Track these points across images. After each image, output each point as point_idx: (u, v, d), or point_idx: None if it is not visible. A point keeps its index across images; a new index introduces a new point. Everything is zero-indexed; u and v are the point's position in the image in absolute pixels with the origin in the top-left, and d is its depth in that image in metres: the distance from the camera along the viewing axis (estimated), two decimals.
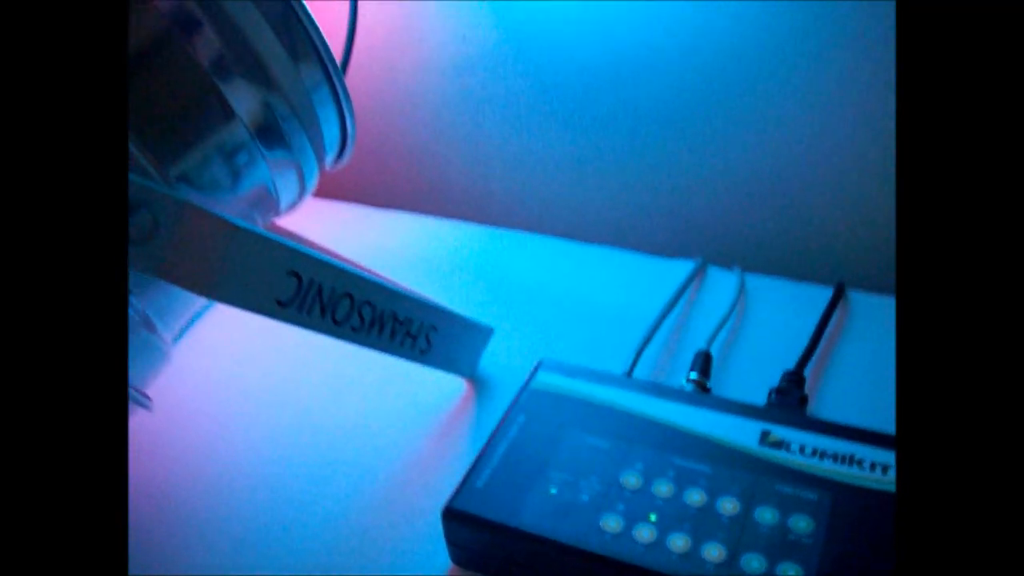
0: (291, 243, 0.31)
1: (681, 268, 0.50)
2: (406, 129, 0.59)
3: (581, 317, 0.48)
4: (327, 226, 0.57)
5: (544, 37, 0.52)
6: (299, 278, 0.32)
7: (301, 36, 0.35)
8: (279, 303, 0.31)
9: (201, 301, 0.36)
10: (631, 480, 0.33)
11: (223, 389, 0.44)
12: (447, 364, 0.41)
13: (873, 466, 0.33)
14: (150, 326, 0.34)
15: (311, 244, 0.46)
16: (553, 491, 0.33)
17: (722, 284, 0.49)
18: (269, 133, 0.35)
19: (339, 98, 0.37)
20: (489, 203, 0.60)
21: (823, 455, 0.33)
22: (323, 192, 0.57)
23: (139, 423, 0.41)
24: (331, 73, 0.36)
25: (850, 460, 0.33)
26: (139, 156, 0.30)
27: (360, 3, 0.53)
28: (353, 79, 0.58)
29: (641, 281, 0.50)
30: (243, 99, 0.33)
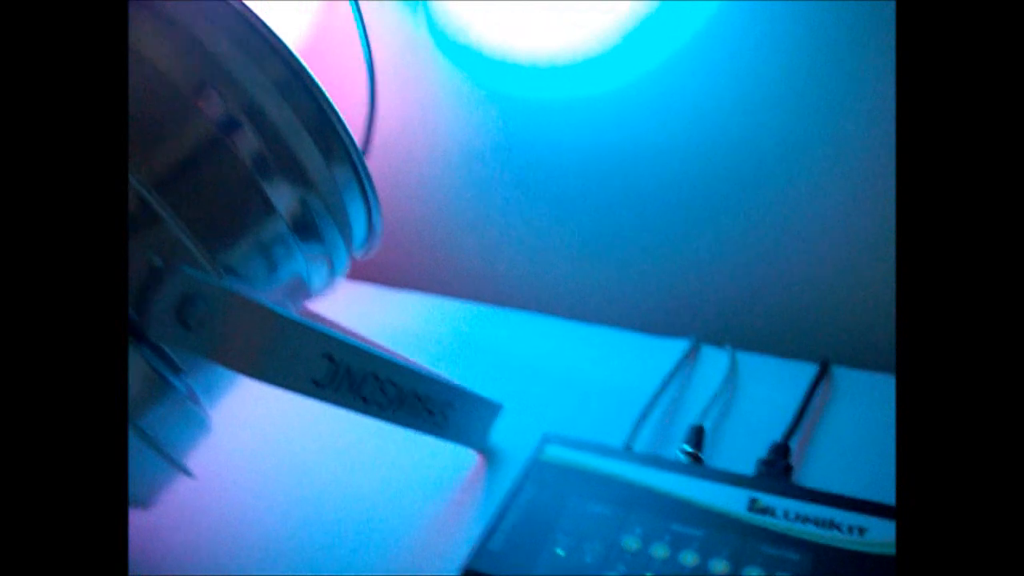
0: (326, 329, 0.35)
1: (676, 347, 0.52)
2: (419, 213, 0.61)
3: (583, 393, 0.50)
4: (346, 305, 0.59)
5: (548, 130, 0.55)
6: (333, 360, 0.35)
7: (334, 140, 0.38)
8: (315, 383, 0.35)
9: (240, 378, 0.39)
10: (631, 543, 0.36)
11: (253, 461, 0.46)
12: (461, 437, 0.43)
13: (851, 529, 0.36)
14: (195, 400, 0.37)
15: (335, 326, 0.49)
16: (561, 553, 0.36)
17: (714, 361, 0.51)
18: (305, 228, 0.38)
19: (367, 196, 0.40)
20: (496, 284, 0.61)
21: (805, 519, 0.36)
22: None
23: (177, 489, 0.44)
24: (361, 173, 0.39)
25: (830, 524, 0.36)
26: (193, 250, 0.34)
27: (378, 96, 0.56)
28: (371, 166, 0.61)
29: (639, 359, 0.52)
30: (283, 197, 0.37)
